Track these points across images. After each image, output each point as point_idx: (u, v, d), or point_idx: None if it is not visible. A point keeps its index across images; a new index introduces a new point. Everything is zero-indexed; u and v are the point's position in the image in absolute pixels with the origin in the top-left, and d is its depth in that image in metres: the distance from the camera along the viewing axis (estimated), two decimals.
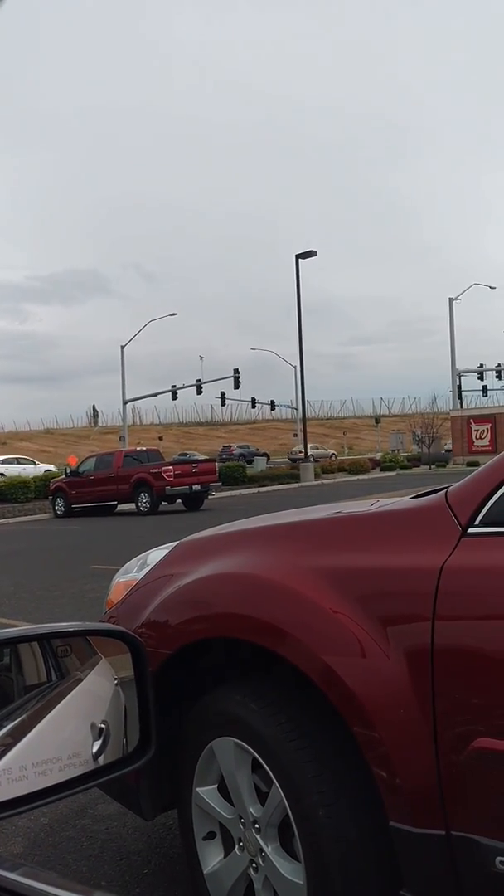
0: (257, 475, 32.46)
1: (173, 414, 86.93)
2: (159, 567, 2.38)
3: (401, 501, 2.01)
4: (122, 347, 38.91)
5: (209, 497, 21.81)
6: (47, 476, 27.10)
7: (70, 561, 11.58)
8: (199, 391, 40.58)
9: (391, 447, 57.04)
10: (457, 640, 1.51)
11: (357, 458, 46.77)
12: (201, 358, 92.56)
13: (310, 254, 34.37)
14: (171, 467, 20.53)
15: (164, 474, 19.97)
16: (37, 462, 41.43)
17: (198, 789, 2.05)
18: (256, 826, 1.85)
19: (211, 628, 2.04)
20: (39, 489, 24.89)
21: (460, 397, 47.85)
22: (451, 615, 1.52)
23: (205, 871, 2.03)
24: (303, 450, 36.26)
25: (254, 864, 1.88)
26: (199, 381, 40.96)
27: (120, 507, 21.87)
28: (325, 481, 31.89)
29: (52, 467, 37.80)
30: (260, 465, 40.43)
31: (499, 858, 1.40)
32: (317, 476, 32.65)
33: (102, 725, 1.12)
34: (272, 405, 51.20)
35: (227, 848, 2.00)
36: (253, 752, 1.84)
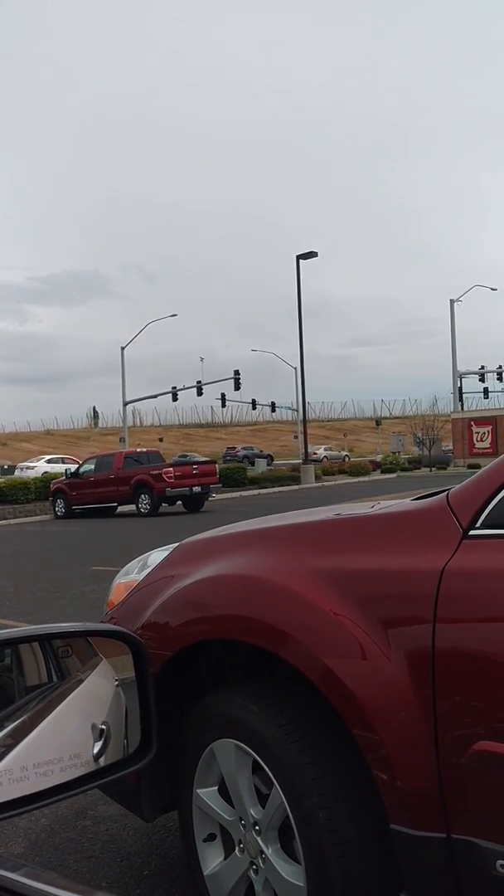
0: (258, 477, 32.49)
1: (173, 415, 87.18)
2: (160, 568, 2.38)
3: (402, 503, 2.01)
4: (123, 348, 38.93)
5: (209, 499, 21.82)
6: (47, 477, 27.07)
7: (70, 562, 11.57)
8: (200, 393, 40.61)
9: (392, 449, 57.07)
10: (458, 643, 1.51)
11: (358, 460, 46.79)
12: (202, 359, 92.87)
13: (310, 255, 34.32)
14: (171, 469, 20.51)
15: (164, 476, 19.97)
16: (80, 462, 41.41)
17: (198, 791, 2.05)
18: (257, 828, 1.85)
19: (211, 630, 2.04)
20: (40, 490, 24.95)
21: (461, 399, 47.78)
22: (453, 617, 1.52)
23: (205, 873, 2.03)
24: (304, 451, 36.23)
25: (254, 866, 1.88)
26: (199, 382, 40.99)
27: (120, 509, 21.87)
28: (325, 483, 31.91)
29: None
30: (260, 466, 40.43)
31: (499, 862, 1.40)
32: (317, 478, 32.67)
33: (103, 726, 1.12)
34: (273, 407, 51.11)
35: (228, 850, 2.00)
36: (253, 753, 1.84)
